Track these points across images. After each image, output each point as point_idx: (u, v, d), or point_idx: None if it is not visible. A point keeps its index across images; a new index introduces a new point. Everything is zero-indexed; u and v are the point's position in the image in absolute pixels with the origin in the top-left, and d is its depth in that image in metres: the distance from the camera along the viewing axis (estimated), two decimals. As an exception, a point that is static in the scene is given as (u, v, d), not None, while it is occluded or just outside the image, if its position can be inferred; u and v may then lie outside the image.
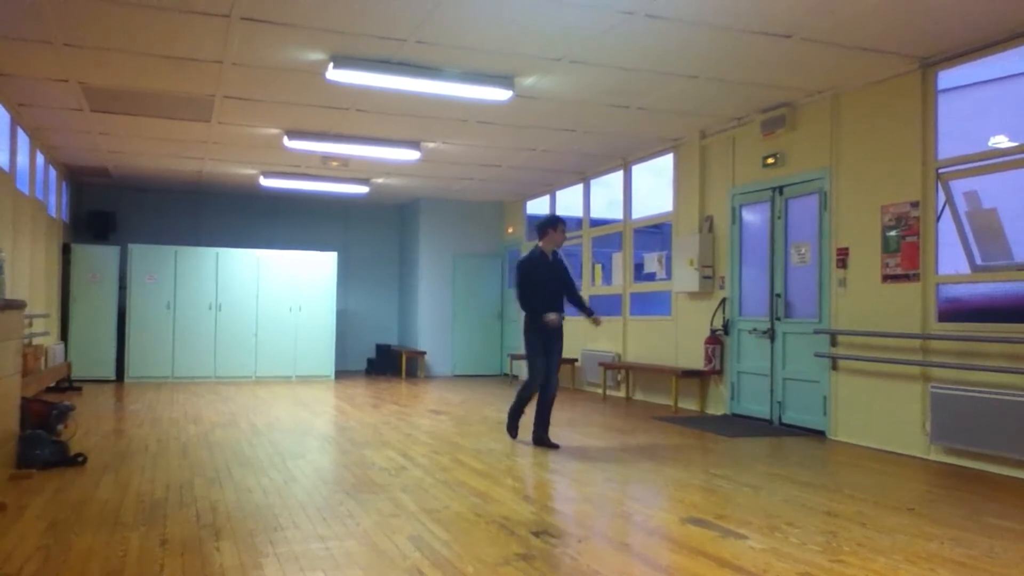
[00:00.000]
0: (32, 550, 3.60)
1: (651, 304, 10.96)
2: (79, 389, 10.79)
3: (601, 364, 10.86)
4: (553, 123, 8.93)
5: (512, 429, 6.97)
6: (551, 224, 6.96)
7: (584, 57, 6.63)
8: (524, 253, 8.01)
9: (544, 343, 6.70)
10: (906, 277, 6.58)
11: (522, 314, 6.86)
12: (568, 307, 6.95)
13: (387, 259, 15.70)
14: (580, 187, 12.18)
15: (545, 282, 6.76)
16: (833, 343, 7.29)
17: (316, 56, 6.66)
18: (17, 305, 5.77)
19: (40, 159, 10.20)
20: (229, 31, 6.10)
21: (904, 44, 6.16)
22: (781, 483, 5.32)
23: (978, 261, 6.31)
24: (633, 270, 10.94)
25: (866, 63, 6.59)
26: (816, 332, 7.41)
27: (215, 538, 3.84)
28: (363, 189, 13.07)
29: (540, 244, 6.94)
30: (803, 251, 7.78)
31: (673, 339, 9.76)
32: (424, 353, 14.07)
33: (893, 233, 6.71)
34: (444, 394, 11.16)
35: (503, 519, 4.28)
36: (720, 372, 8.83)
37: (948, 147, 6.43)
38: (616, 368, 10.73)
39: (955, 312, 6.41)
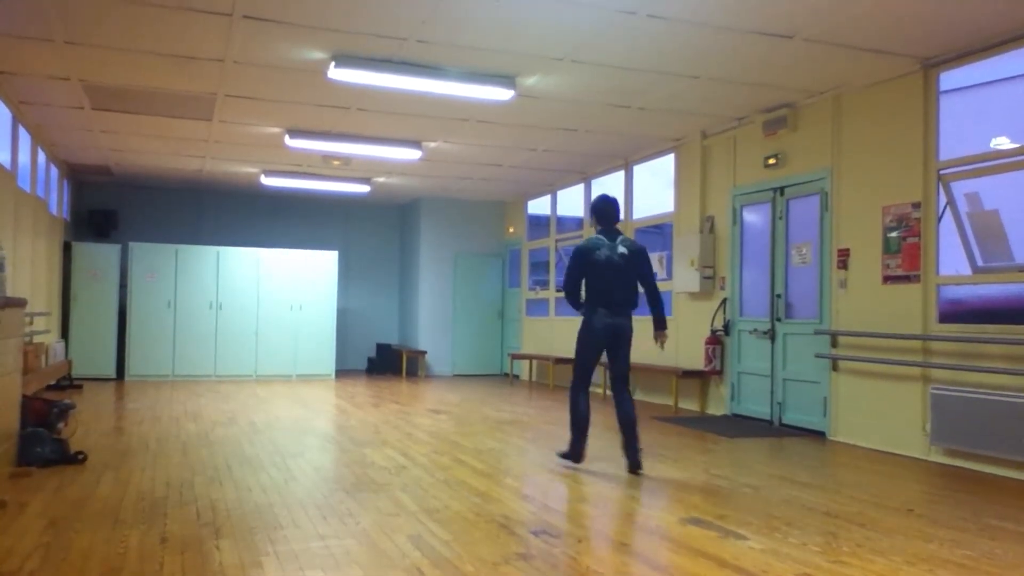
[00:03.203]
0: (32, 548, 3.61)
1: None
2: (79, 387, 10.79)
3: (601, 364, 10.81)
4: (554, 123, 8.93)
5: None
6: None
7: (586, 57, 6.63)
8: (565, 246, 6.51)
9: None
10: (907, 278, 6.57)
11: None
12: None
13: (388, 258, 15.70)
14: (581, 187, 12.18)
15: None
16: (833, 344, 7.29)
17: (317, 55, 6.66)
18: (18, 303, 5.77)
19: (41, 157, 10.20)
20: (231, 29, 6.10)
21: (906, 45, 6.16)
22: (781, 484, 5.31)
23: (979, 262, 6.30)
24: (634, 270, 10.91)
25: (868, 64, 6.59)
26: (816, 333, 7.41)
27: (215, 536, 3.84)
28: (364, 188, 13.08)
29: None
30: (804, 252, 7.78)
31: (673, 339, 9.74)
32: (424, 352, 14.07)
33: (894, 234, 6.71)
34: (444, 393, 11.16)
35: (503, 518, 4.27)
36: (720, 372, 8.82)
37: (950, 148, 6.42)
38: (616, 368, 10.70)
39: (956, 313, 6.41)
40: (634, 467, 5.61)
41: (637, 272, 5.81)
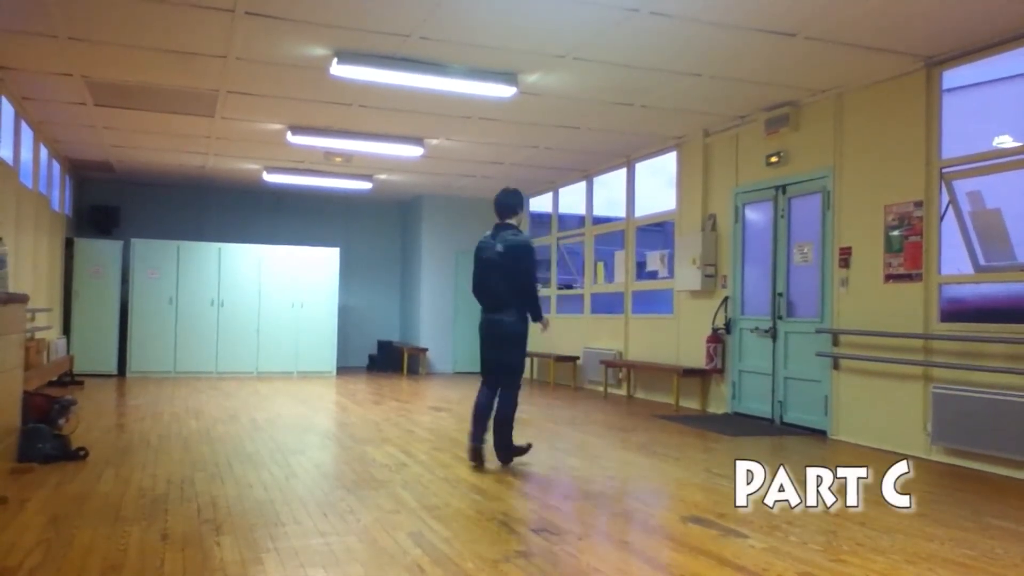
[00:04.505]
0: (33, 544, 3.61)
1: (653, 302, 10.96)
2: (81, 383, 10.80)
3: (602, 362, 10.85)
4: (556, 120, 8.92)
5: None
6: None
7: (588, 54, 6.62)
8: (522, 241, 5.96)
9: None
10: (909, 277, 6.57)
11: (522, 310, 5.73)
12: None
13: (389, 256, 15.70)
14: (583, 184, 12.17)
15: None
16: (835, 343, 7.28)
17: (320, 51, 6.65)
18: (20, 299, 5.79)
19: (44, 153, 10.20)
20: (233, 26, 6.09)
21: (908, 43, 6.14)
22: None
23: (981, 261, 6.30)
24: (635, 268, 10.93)
25: (870, 62, 6.58)
26: (818, 331, 7.40)
27: (216, 533, 3.85)
28: (366, 185, 13.07)
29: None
30: (805, 250, 7.77)
31: (675, 337, 9.75)
32: (425, 350, 14.08)
33: (896, 233, 6.70)
34: (445, 391, 11.16)
35: (503, 516, 4.28)
36: (721, 371, 8.82)
37: (952, 147, 6.41)
38: (617, 366, 10.72)
39: (957, 312, 6.40)
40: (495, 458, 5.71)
41: (513, 268, 5.62)
